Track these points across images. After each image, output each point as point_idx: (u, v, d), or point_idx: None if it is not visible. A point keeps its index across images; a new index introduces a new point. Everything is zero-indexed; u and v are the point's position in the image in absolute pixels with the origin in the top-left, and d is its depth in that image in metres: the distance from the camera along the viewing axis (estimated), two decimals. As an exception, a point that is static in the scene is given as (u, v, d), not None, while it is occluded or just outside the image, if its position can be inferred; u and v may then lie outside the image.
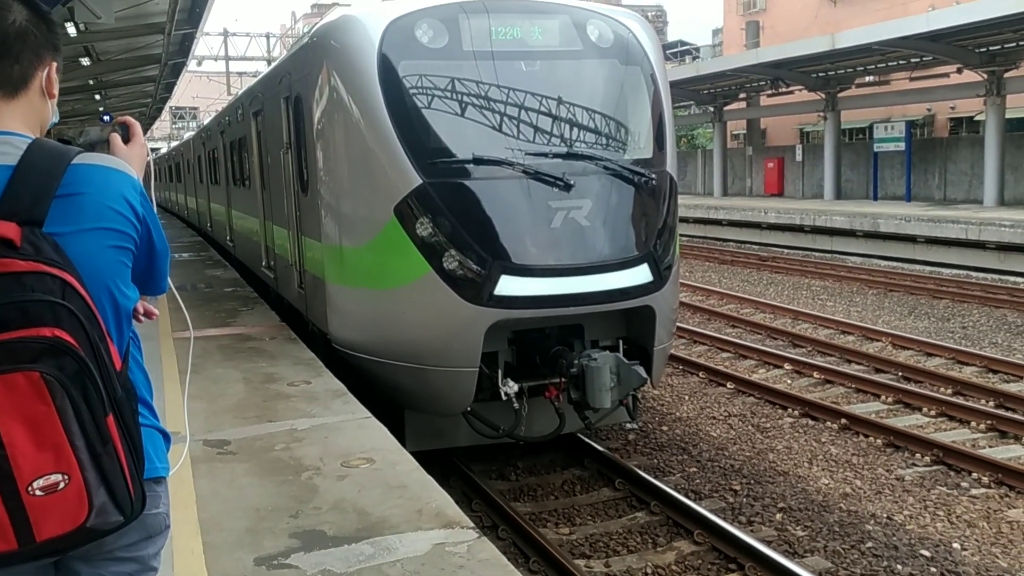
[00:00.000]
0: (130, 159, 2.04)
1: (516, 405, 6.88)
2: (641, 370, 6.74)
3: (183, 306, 2.60)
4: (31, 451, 1.59)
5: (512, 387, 6.84)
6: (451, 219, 6.71)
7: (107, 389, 1.68)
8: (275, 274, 10.96)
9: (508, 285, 6.66)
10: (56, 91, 1.97)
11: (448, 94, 7.02)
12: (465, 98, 7.04)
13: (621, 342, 7.36)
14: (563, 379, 6.87)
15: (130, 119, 2.15)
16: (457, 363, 6.73)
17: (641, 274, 7.05)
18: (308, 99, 7.92)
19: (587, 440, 8.16)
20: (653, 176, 7.32)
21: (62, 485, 1.61)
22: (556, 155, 7.02)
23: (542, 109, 7.17)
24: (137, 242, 1.89)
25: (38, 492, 1.60)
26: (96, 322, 1.71)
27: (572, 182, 6.86)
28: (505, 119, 7.07)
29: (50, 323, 1.63)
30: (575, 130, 7.26)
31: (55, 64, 1.95)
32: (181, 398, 6.30)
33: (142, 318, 2.11)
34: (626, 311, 7.21)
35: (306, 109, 8.01)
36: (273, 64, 12.35)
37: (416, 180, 6.72)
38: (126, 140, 2.10)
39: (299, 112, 8.36)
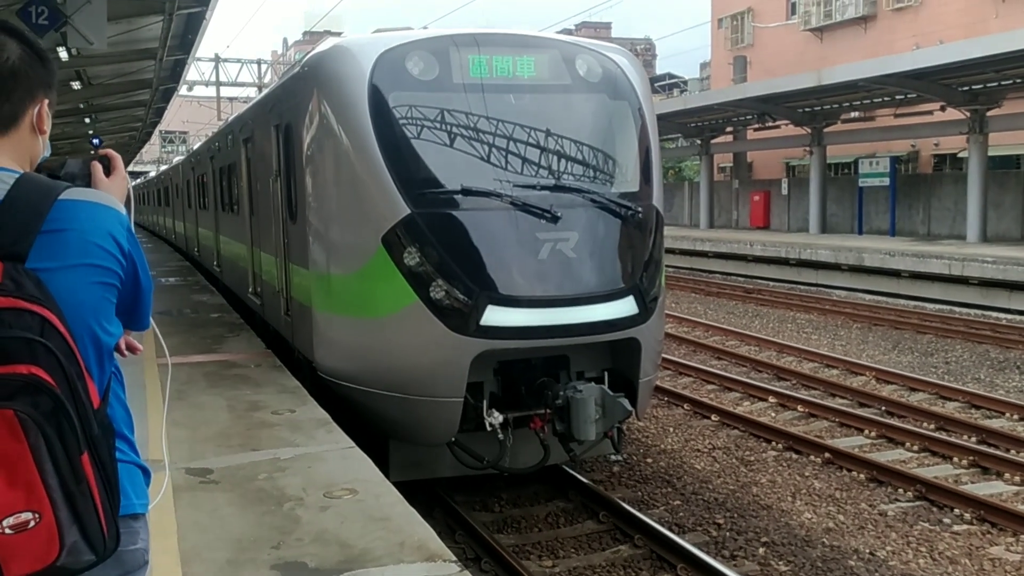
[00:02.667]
0: (111, 191, 2.04)
1: (501, 436, 6.86)
2: (626, 402, 6.75)
3: (159, 335, 2.59)
4: (2, 489, 1.57)
5: (497, 418, 6.83)
6: (438, 249, 6.75)
7: (83, 427, 1.67)
8: (262, 300, 10.94)
9: (494, 316, 6.68)
10: (48, 127, 1.98)
11: (438, 125, 7.09)
12: (454, 130, 7.11)
13: (606, 374, 7.36)
14: (548, 410, 6.88)
15: (111, 152, 2.15)
16: (442, 393, 6.73)
17: (627, 306, 7.09)
18: (298, 127, 7.97)
19: (571, 472, 8.14)
20: (639, 209, 7.39)
21: (32, 523, 1.59)
22: (544, 187, 7.09)
23: (530, 141, 7.25)
24: (122, 278, 1.88)
25: (7, 530, 1.57)
26: (75, 359, 1.69)
27: (559, 214, 6.91)
28: (494, 151, 7.14)
29: (27, 360, 1.61)
30: (563, 163, 7.33)
31: (47, 100, 1.96)
32: (165, 426, 6.26)
33: (126, 352, 2.11)
34: (612, 343, 7.23)
35: (296, 137, 8.06)
36: (263, 92, 12.43)
37: (404, 210, 6.76)
38: (107, 172, 2.09)
39: (289, 140, 8.41)
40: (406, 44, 7.25)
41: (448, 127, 7.10)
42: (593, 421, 6.68)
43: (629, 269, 7.24)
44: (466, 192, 6.88)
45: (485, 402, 6.92)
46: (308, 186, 7.79)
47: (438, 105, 7.11)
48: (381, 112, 6.97)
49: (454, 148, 7.09)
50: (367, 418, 7.37)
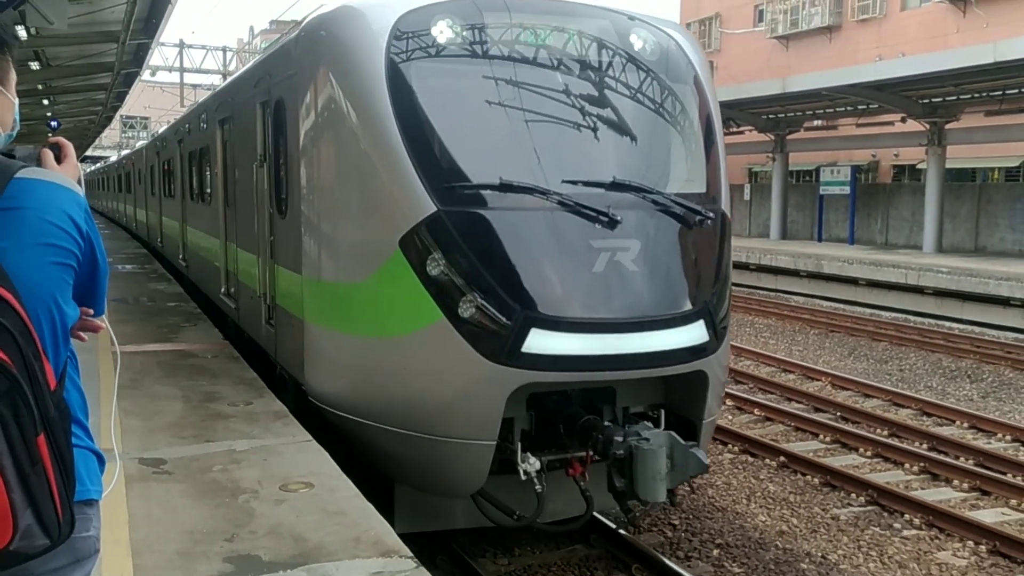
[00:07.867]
0: None
1: (538, 487, 5.55)
2: (702, 454, 5.53)
3: (107, 324, 2.49)
4: None
5: (533, 464, 5.59)
6: (471, 256, 5.50)
7: (39, 408, 1.64)
8: (236, 304, 9.66)
9: (539, 341, 5.43)
10: None
11: (471, 106, 5.89)
12: (491, 112, 5.86)
13: (663, 412, 6.19)
14: (591, 453, 5.74)
15: (62, 140, 2.11)
16: (470, 434, 5.51)
17: (696, 332, 5.86)
18: (293, 105, 6.72)
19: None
20: (709, 214, 6.18)
21: None
22: (598, 184, 5.82)
23: (581, 127, 6.03)
24: (80, 259, 1.85)
25: None
26: (31, 339, 1.67)
27: (618, 218, 5.68)
28: (538, 139, 5.86)
29: None
30: (619, 155, 6.13)
31: None
32: (115, 415, 6.16)
33: (85, 337, 2.07)
34: (667, 375, 6.03)
35: (290, 117, 6.82)
36: (248, 64, 10.66)
37: (429, 207, 5.52)
38: (59, 160, 2.05)
39: (280, 120, 7.16)
40: (431, 6, 6.00)
41: (483, 108, 5.86)
42: (663, 478, 5.47)
43: (699, 287, 6.00)
44: (505, 187, 5.63)
45: (519, 443, 5.66)
46: (303, 175, 6.55)
47: (471, 82, 5.86)
48: (401, 88, 5.71)
49: (490, 134, 5.87)
50: (369, 456, 6.18)
